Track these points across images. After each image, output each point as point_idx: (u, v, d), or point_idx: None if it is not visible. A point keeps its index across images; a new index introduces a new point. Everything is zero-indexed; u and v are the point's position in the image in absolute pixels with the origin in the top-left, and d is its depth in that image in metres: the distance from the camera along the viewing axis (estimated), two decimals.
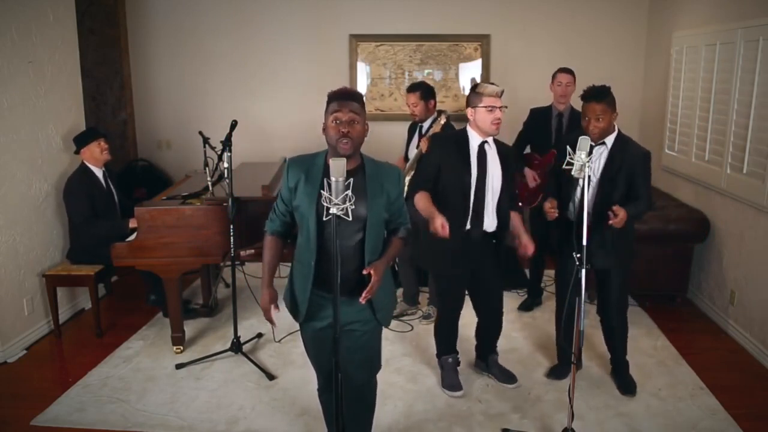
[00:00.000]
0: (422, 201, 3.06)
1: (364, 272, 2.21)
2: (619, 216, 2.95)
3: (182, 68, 5.99)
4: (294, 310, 2.42)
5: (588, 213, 3.10)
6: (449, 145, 3.14)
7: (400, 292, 4.71)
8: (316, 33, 5.85)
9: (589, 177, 3.07)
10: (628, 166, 3.11)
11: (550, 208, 3.15)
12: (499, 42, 5.77)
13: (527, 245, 3.16)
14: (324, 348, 2.36)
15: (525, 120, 4.47)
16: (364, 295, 2.19)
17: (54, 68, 4.20)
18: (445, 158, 3.10)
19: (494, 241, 3.22)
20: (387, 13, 5.77)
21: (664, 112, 5.10)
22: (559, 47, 5.64)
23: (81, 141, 4.10)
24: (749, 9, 3.88)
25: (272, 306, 2.40)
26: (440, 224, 2.90)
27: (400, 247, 2.40)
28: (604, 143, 3.14)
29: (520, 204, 3.70)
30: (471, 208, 3.10)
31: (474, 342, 3.59)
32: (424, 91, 4.11)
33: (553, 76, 4.30)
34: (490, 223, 3.15)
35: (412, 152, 4.19)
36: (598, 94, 3.04)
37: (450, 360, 3.40)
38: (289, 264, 2.52)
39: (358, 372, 2.43)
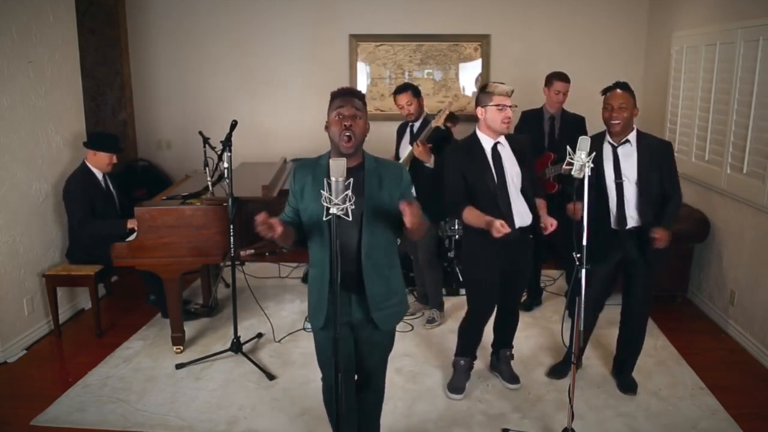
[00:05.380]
0: (472, 215, 3.03)
1: (401, 206, 2.10)
2: (661, 239, 2.98)
3: (182, 68, 5.99)
4: (313, 318, 2.43)
5: (632, 217, 3.12)
6: (465, 153, 3.11)
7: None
8: (316, 33, 5.85)
9: (620, 180, 3.08)
10: (656, 160, 3.09)
11: (574, 211, 3.03)
12: (499, 42, 5.77)
13: (551, 223, 3.10)
14: (344, 345, 2.38)
15: (516, 123, 4.45)
16: (410, 222, 2.09)
17: (54, 68, 4.20)
18: (465, 166, 3.07)
19: (531, 236, 3.20)
20: (387, 13, 5.77)
21: (664, 112, 5.10)
22: (559, 47, 5.64)
23: (100, 144, 4.09)
24: (749, 9, 3.88)
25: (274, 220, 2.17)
26: (500, 225, 2.86)
27: (426, 224, 2.30)
28: (628, 141, 3.12)
29: None
30: (501, 211, 3.06)
31: (490, 340, 3.58)
32: (414, 89, 4.10)
33: (548, 82, 4.27)
34: (522, 218, 3.13)
35: (404, 152, 4.19)
36: (621, 83, 3.10)
37: (462, 362, 3.39)
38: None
39: (372, 370, 2.54)
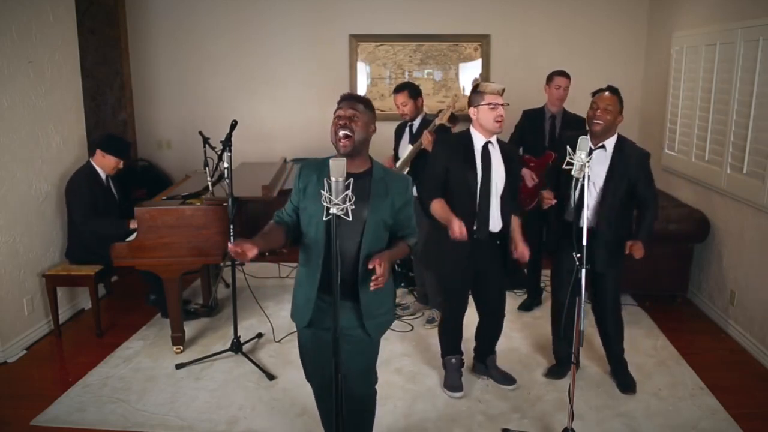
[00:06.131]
0: (439, 207, 3.08)
1: (370, 266, 2.15)
2: (637, 251, 3.06)
3: (182, 68, 6.00)
4: (297, 316, 2.40)
5: (587, 218, 3.14)
6: (454, 147, 3.14)
7: (400, 292, 4.71)
8: (316, 33, 5.85)
9: (588, 181, 3.11)
10: (629, 170, 3.12)
11: (548, 198, 3.17)
12: (499, 42, 5.77)
13: (523, 252, 3.14)
14: (322, 353, 2.34)
15: (517, 122, 4.46)
16: (372, 284, 2.15)
17: (54, 68, 4.20)
18: (451, 160, 3.10)
19: (498, 242, 3.21)
20: (387, 13, 5.77)
21: (664, 112, 5.10)
22: (559, 47, 5.64)
23: (110, 148, 4.09)
24: (749, 9, 3.88)
25: (246, 245, 2.12)
26: (458, 227, 2.93)
27: (406, 251, 2.38)
28: (603, 147, 3.14)
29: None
30: (478, 210, 3.09)
31: (473, 344, 3.57)
32: (411, 89, 4.11)
33: (549, 78, 4.29)
34: (494, 223, 3.15)
35: (403, 151, 4.19)
36: (611, 88, 3.14)
37: (453, 361, 3.40)
38: (293, 264, 2.50)
39: (354, 383, 2.40)
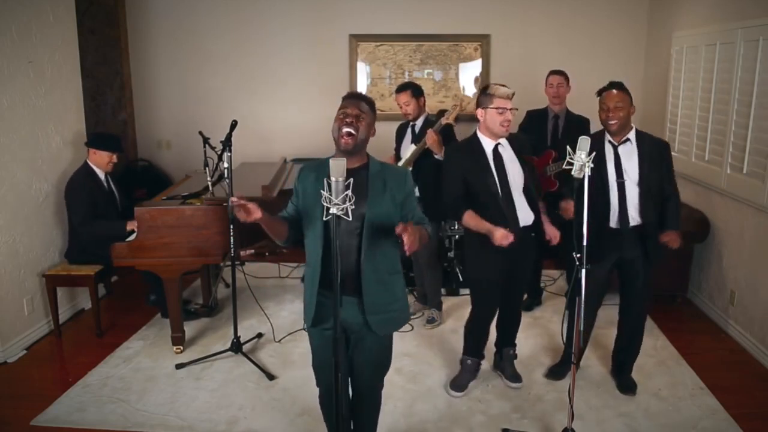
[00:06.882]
0: (472, 219, 3.05)
1: (398, 230, 2.10)
2: (673, 241, 3.07)
3: (182, 68, 6.00)
4: (305, 315, 2.41)
5: (633, 217, 3.11)
6: (466, 154, 3.11)
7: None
8: (316, 33, 5.85)
9: (622, 180, 3.09)
10: (657, 159, 3.11)
11: (566, 209, 3.10)
12: (499, 42, 5.77)
13: (554, 234, 3.18)
14: (329, 352, 2.34)
15: (521, 123, 4.47)
16: (406, 246, 2.10)
17: (54, 68, 4.20)
18: (466, 167, 3.07)
19: (533, 234, 3.20)
20: (387, 13, 5.77)
21: (664, 112, 5.10)
22: (559, 47, 5.64)
23: (99, 143, 4.10)
24: (749, 9, 3.88)
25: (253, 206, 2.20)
26: (502, 235, 2.92)
27: (426, 234, 2.35)
28: (628, 139, 3.12)
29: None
30: (504, 211, 3.06)
31: (493, 339, 3.56)
32: (414, 89, 4.12)
33: (546, 79, 4.35)
34: (525, 217, 3.13)
35: (405, 152, 4.19)
36: (615, 83, 3.11)
37: (469, 362, 3.39)
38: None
39: (364, 374, 2.44)
